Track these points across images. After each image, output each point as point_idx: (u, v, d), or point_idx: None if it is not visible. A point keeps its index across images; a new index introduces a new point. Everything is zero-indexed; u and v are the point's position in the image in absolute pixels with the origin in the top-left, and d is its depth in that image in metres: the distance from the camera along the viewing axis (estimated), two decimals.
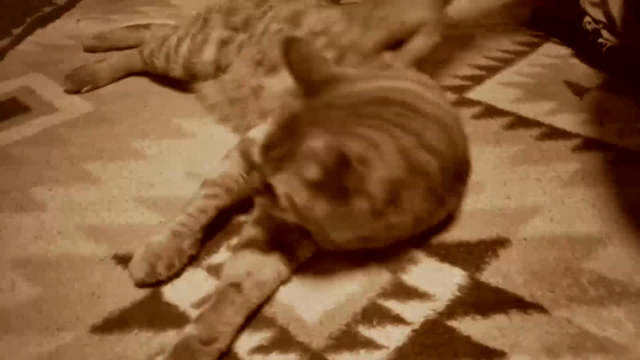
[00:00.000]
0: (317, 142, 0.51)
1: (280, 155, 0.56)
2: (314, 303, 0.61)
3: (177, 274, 0.65)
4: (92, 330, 0.59)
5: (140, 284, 0.64)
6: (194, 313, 0.60)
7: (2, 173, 0.86)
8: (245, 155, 0.72)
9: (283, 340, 0.57)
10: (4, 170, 0.86)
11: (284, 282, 0.64)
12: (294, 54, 0.64)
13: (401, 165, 0.57)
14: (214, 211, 0.69)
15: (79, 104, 1.05)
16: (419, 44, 0.79)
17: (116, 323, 0.60)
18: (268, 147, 0.58)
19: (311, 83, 0.63)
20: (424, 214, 0.62)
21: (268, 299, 0.62)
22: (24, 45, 1.32)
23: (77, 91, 1.10)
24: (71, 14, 1.52)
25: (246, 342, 0.57)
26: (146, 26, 1.26)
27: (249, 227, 0.67)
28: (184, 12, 1.45)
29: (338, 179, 0.53)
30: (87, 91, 1.10)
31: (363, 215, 0.57)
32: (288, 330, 0.58)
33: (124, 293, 0.64)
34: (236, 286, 0.59)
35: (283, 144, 0.56)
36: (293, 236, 0.65)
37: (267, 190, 0.58)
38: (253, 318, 0.60)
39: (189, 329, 0.56)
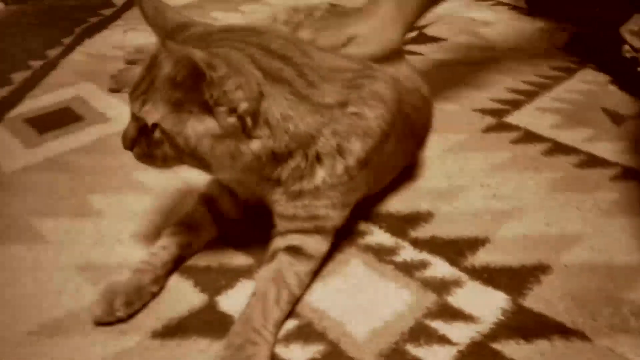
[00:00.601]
0: (165, 57, 0.56)
1: (144, 88, 0.61)
2: (363, 320, 0.64)
3: (138, 311, 0.66)
4: (153, 335, 0.63)
5: (99, 322, 0.65)
6: None
7: (60, 180, 0.90)
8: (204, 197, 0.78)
9: (334, 355, 0.60)
10: (62, 177, 0.91)
11: None
12: (148, 8, 0.66)
13: (258, 75, 0.61)
14: (175, 248, 0.72)
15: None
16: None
17: (175, 329, 0.64)
18: (134, 87, 0.62)
19: (167, 29, 0.65)
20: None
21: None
22: (74, 55, 1.37)
23: (118, 90, 1.18)
24: (117, 25, 1.58)
25: (300, 355, 0.60)
26: None
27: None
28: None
29: (195, 90, 0.57)
30: (127, 92, 1.15)
31: (233, 133, 0.60)
32: (339, 346, 0.61)
33: (182, 301, 0.67)
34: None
35: (145, 78, 0.61)
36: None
37: (142, 133, 0.62)
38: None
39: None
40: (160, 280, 0.69)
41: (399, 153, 0.80)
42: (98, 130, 1.04)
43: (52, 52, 1.38)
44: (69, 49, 1.40)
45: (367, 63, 0.75)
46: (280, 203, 0.69)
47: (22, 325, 0.64)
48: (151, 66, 0.61)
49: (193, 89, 0.58)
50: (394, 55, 0.84)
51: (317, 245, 0.70)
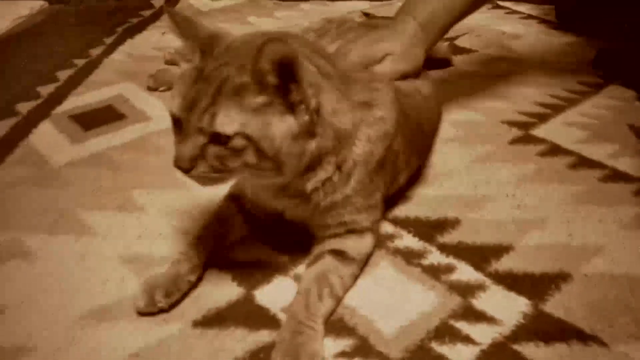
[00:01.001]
0: (266, 48, 0.57)
1: (208, 102, 0.60)
2: (391, 318, 0.68)
3: (179, 301, 0.70)
4: (193, 324, 0.68)
5: (143, 314, 0.68)
6: (283, 317, 0.68)
7: (104, 175, 0.96)
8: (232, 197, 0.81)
9: (364, 349, 0.64)
10: (106, 172, 0.96)
11: None
12: (179, 19, 0.66)
13: (314, 70, 0.65)
14: (210, 239, 0.76)
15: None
16: (383, 69, 0.85)
17: (214, 320, 0.68)
18: (190, 105, 0.60)
19: (201, 40, 0.65)
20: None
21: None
22: (116, 55, 1.44)
23: (155, 89, 1.25)
24: (156, 26, 1.64)
25: (331, 348, 0.65)
26: None
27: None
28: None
29: (283, 90, 0.60)
30: (163, 91, 1.24)
31: (305, 131, 0.63)
32: (368, 340, 0.65)
33: (220, 293, 0.72)
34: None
35: (203, 93, 0.60)
36: None
37: (204, 150, 0.61)
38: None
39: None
40: (197, 270, 0.73)
41: (407, 153, 0.83)
42: (139, 128, 1.10)
43: (95, 52, 1.45)
44: (111, 48, 1.47)
45: (369, 69, 0.82)
46: (312, 219, 0.74)
47: (73, 310, 0.69)
48: (206, 79, 0.61)
49: (281, 89, 0.61)
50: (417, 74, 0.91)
51: (358, 247, 0.74)
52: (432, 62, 1.29)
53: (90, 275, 0.75)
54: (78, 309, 0.70)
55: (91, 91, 1.25)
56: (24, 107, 1.16)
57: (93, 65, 1.37)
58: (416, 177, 0.92)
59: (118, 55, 1.44)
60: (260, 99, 0.61)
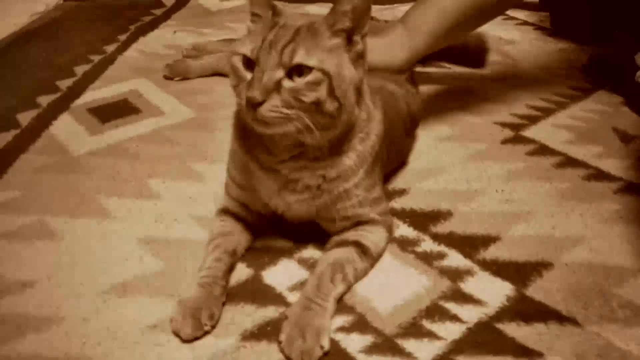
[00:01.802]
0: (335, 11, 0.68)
1: (287, 40, 0.66)
2: (386, 298, 0.75)
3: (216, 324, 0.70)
4: None
5: (191, 340, 0.67)
6: (289, 295, 0.75)
7: (122, 164, 1.02)
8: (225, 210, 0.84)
9: (361, 324, 0.71)
10: (123, 162, 1.03)
11: None
12: None
13: None
14: (228, 257, 0.77)
15: (182, 110, 1.21)
16: None
17: (226, 297, 0.74)
18: (268, 46, 0.66)
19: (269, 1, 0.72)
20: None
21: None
22: (129, 52, 1.50)
23: (171, 78, 1.34)
24: (167, 25, 1.71)
25: (332, 324, 0.71)
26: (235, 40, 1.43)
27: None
28: None
29: (350, 34, 0.69)
30: (178, 80, 1.34)
31: (360, 81, 0.73)
32: (365, 317, 0.72)
33: (231, 274, 0.78)
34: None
35: (281, 34, 0.67)
36: None
37: (280, 84, 0.66)
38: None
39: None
40: (224, 291, 0.73)
41: (392, 152, 0.91)
42: (153, 122, 1.16)
43: (109, 48, 1.51)
44: (125, 46, 1.53)
45: None
46: (318, 214, 0.79)
47: (96, 285, 0.76)
48: (283, 27, 0.68)
49: (349, 38, 0.70)
50: (395, 73, 1.00)
51: (377, 243, 0.80)
52: (463, 57, 1.35)
53: (111, 254, 0.81)
54: (101, 284, 0.76)
55: (107, 86, 1.31)
56: (44, 100, 1.22)
57: (108, 61, 1.43)
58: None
59: (131, 52, 1.50)
60: (334, 41, 0.69)
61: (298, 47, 0.66)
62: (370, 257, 0.78)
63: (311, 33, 0.68)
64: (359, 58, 0.72)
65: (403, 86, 1.02)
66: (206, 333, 0.68)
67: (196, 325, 0.68)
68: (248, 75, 0.68)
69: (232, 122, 0.81)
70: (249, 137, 0.76)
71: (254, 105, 0.65)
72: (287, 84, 0.66)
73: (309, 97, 0.67)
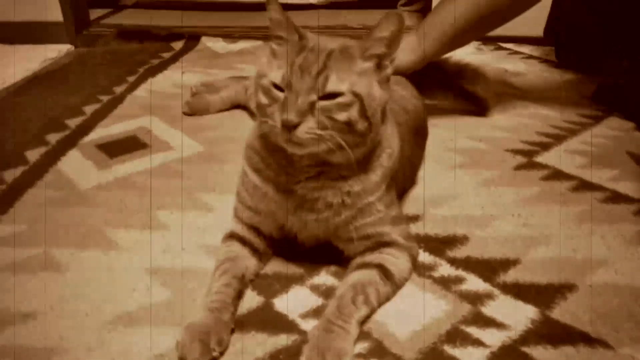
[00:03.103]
0: (392, 17, 0.69)
1: (320, 67, 0.68)
2: (404, 323, 0.71)
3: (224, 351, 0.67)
4: None
5: None
6: (301, 322, 0.71)
7: (129, 197, 1.01)
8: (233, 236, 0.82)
9: (379, 351, 0.67)
10: (130, 194, 1.02)
11: None
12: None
13: None
14: (236, 283, 0.75)
15: (191, 144, 1.21)
16: None
17: (236, 325, 0.71)
18: (300, 70, 0.68)
19: (294, 25, 0.73)
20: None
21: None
22: (138, 92, 1.52)
23: (191, 114, 1.34)
24: (176, 67, 1.73)
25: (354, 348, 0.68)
26: (245, 77, 1.44)
27: None
28: None
29: (381, 57, 0.71)
30: (200, 115, 1.35)
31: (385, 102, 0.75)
32: (382, 343, 0.68)
33: (241, 301, 0.75)
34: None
35: (312, 61, 0.68)
36: None
37: (314, 106, 0.68)
38: None
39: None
40: (233, 317, 0.71)
41: (407, 167, 0.92)
42: (162, 156, 1.16)
43: (119, 89, 1.53)
44: (134, 86, 1.55)
45: None
46: (336, 233, 0.78)
47: (102, 316, 0.73)
48: (312, 50, 0.69)
49: (381, 57, 0.71)
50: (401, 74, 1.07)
51: (401, 269, 0.77)
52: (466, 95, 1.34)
53: (118, 284, 0.79)
54: (107, 314, 0.73)
55: (116, 123, 1.31)
56: (53, 138, 1.22)
57: (118, 100, 1.44)
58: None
59: (140, 92, 1.52)
60: (366, 65, 0.71)
61: (331, 73, 0.68)
62: (393, 282, 0.76)
63: (343, 57, 0.70)
64: (387, 80, 0.73)
65: (407, 88, 1.07)
66: (214, 359, 0.66)
67: (204, 350, 0.65)
68: (281, 95, 0.69)
69: (245, 147, 0.81)
70: (265, 160, 0.77)
71: (289, 127, 0.67)
72: (320, 105, 0.68)
73: (342, 116, 0.69)
